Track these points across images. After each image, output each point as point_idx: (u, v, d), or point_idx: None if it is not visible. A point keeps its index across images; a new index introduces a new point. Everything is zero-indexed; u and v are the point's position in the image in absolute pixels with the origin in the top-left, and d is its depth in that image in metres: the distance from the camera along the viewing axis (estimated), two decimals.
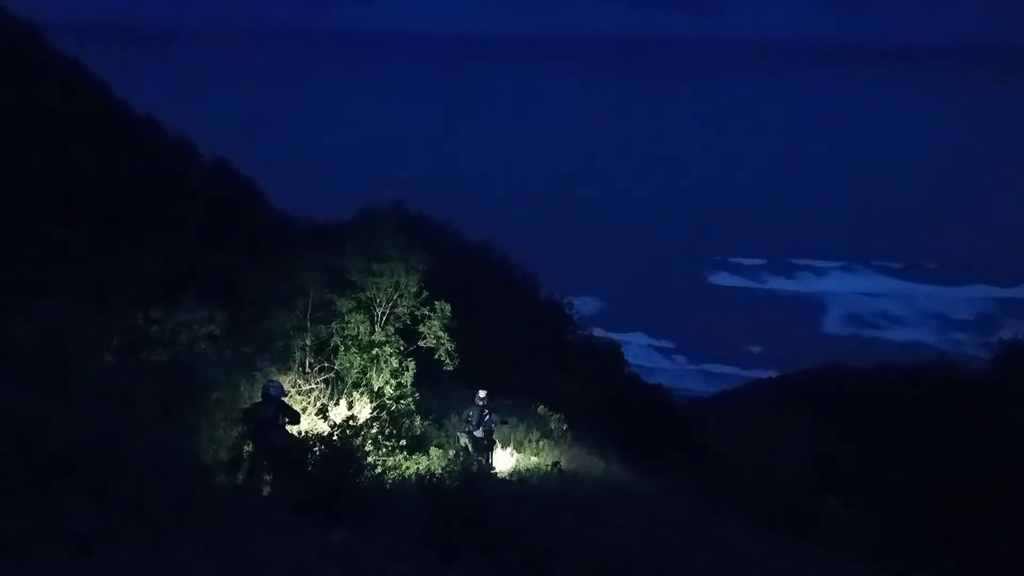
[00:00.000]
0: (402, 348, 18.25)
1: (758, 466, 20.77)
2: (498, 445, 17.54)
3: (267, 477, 10.75)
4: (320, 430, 12.20)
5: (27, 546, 6.20)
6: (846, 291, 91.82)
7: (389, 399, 17.53)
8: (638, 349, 65.83)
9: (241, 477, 10.71)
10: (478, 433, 16.45)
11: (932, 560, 13.63)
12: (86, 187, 20.49)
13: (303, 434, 11.72)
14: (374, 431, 15.10)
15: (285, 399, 11.92)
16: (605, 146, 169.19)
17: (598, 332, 45.78)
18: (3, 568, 5.85)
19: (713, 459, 23.23)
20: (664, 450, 23.95)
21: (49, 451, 7.51)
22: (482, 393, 16.79)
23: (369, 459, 12.36)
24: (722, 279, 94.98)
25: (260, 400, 11.35)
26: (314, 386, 16.67)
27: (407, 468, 15.37)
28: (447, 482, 10.87)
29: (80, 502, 7.03)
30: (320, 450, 10.76)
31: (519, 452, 19.14)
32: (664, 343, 74.89)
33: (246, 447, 11.42)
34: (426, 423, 18.17)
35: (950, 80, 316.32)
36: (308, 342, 17.14)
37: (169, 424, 10.26)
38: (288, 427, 11.29)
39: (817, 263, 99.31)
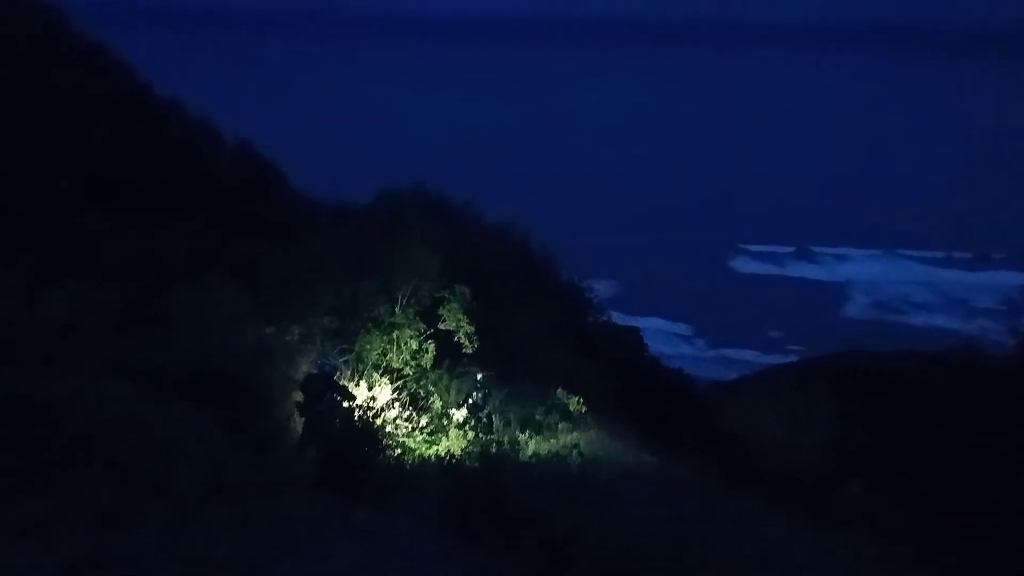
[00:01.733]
0: (422, 330, 18.31)
1: (779, 451, 20.68)
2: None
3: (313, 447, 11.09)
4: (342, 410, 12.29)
5: (53, 524, 6.27)
6: (869, 277, 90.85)
7: (409, 380, 17.62)
8: (657, 334, 65.47)
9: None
10: None
11: (955, 546, 13.51)
12: (109, 170, 20.61)
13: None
14: (394, 412, 15.19)
15: (336, 376, 12.66)
16: (624, 129, 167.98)
17: (616, 316, 45.60)
18: (30, 546, 5.91)
19: (733, 444, 23.14)
20: (684, 434, 23.87)
21: (74, 431, 7.58)
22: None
23: (389, 440, 12.44)
24: (742, 264, 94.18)
25: (315, 373, 12.08)
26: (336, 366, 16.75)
27: (427, 449, 15.45)
28: (467, 464, 10.90)
29: (105, 481, 7.10)
30: (341, 428, 10.83)
31: (538, 435, 19.15)
32: (683, 328, 74.51)
33: (296, 417, 11.92)
34: (446, 404, 18.24)
35: (974, 62, 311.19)
36: (329, 324, 17.21)
37: (192, 404, 10.32)
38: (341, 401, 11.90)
39: (839, 249, 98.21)
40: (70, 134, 20.95)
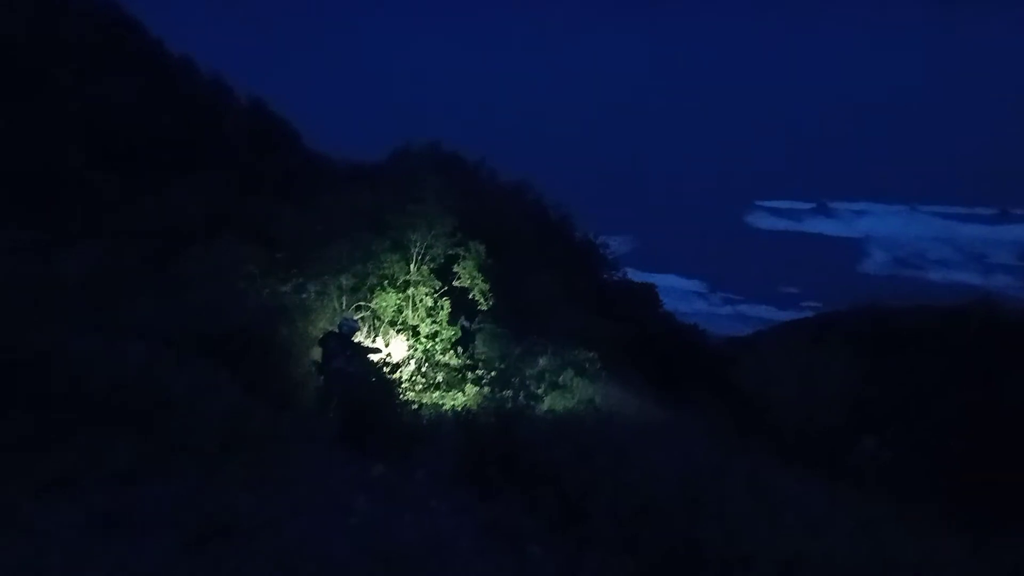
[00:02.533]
0: (437, 288, 18.35)
1: (794, 406, 20.72)
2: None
3: (331, 404, 11.26)
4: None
5: (74, 480, 6.39)
6: (887, 232, 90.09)
7: (425, 337, 17.71)
8: (672, 290, 65.39)
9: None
10: None
11: (971, 503, 13.55)
12: (122, 128, 20.59)
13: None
14: (411, 368, 15.28)
15: (356, 336, 12.92)
16: (638, 84, 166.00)
17: (631, 273, 45.51)
18: (53, 500, 6.04)
19: (749, 399, 23.19)
20: (699, 390, 23.94)
21: (94, 389, 7.68)
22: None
23: (406, 395, 12.55)
24: (759, 220, 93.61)
25: (333, 331, 12.36)
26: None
27: (443, 405, 15.57)
28: (483, 419, 10.99)
29: (125, 438, 7.21)
30: (359, 385, 10.93)
31: (554, 391, 19.25)
32: (699, 284, 74.37)
33: (315, 374, 12.13)
34: (462, 361, 18.33)
35: (998, 10, 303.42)
36: (345, 282, 17.26)
37: (210, 362, 10.42)
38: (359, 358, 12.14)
39: (857, 205, 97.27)
40: (81, 92, 20.90)
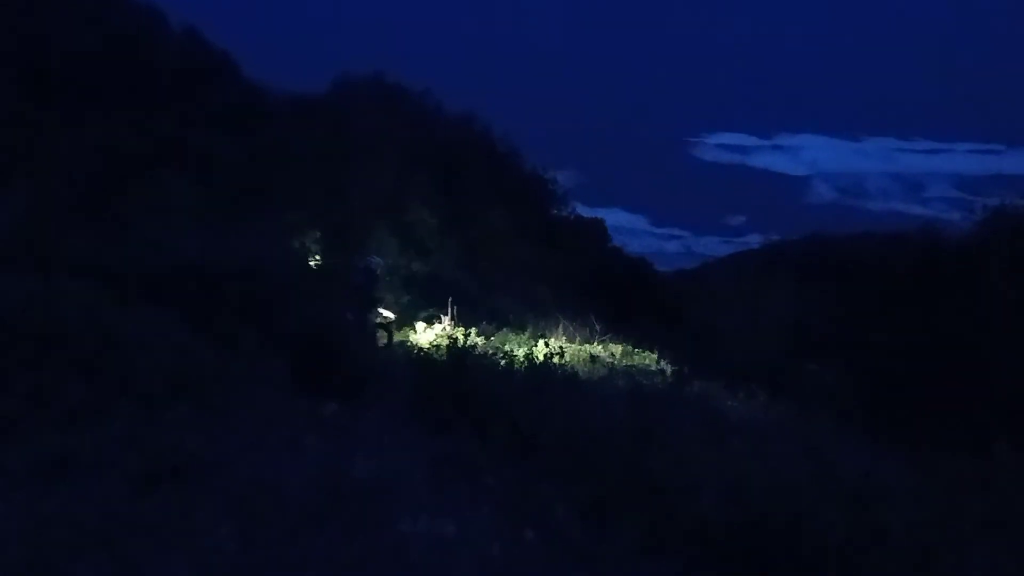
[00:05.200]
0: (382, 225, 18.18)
1: (740, 335, 21.16)
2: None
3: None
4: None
5: (18, 424, 6.25)
6: (829, 164, 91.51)
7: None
8: (619, 224, 65.68)
9: None
10: None
11: (909, 423, 14.09)
12: (52, 63, 19.68)
13: None
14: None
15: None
16: (582, 16, 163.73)
17: (578, 208, 45.60)
18: None
19: (696, 329, 23.60)
20: (648, 321, 24.28)
21: (35, 332, 7.47)
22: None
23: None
24: (704, 153, 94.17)
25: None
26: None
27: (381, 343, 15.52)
28: (434, 356, 10.98)
29: (68, 380, 7.05)
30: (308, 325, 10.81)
31: (505, 326, 19.35)
32: (645, 218, 74.88)
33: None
34: (413, 299, 18.28)
35: None
36: (291, 219, 16.98)
37: (154, 303, 10.19)
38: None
39: (800, 137, 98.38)
40: (11, 26, 19.89)
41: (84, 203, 13.92)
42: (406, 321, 17.50)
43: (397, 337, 16.06)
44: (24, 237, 11.36)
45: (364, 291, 14.77)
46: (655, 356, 19.37)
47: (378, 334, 14.98)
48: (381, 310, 15.58)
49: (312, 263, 15.27)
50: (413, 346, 14.42)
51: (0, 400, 6.50)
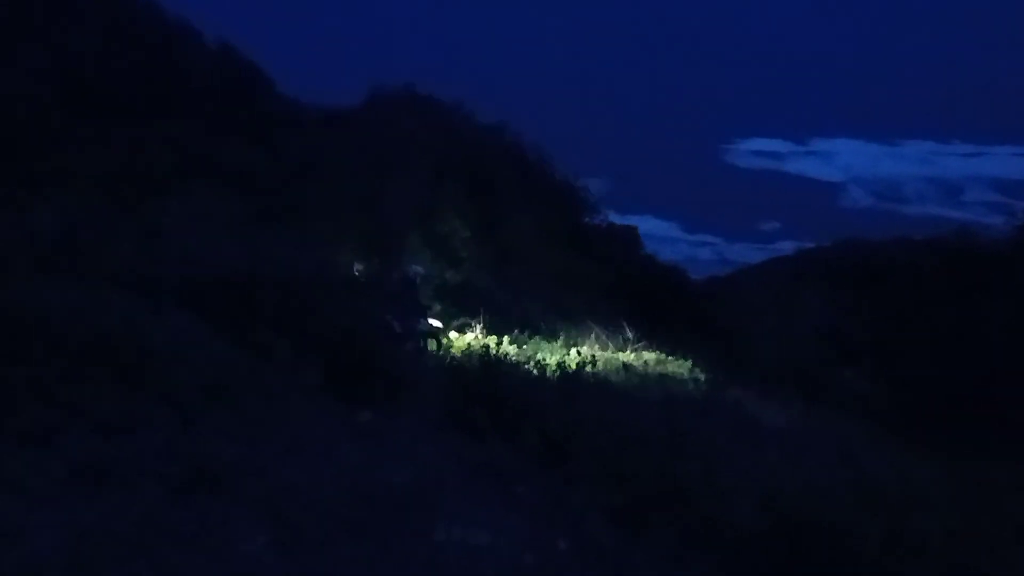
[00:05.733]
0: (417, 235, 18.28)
1: (775, 341, 20.95)
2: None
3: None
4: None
5: (57, 432, 6.36)
6: (865, 168, 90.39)
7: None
8: (651, 231, 65.45)
9: None
10: None
11: (946, 428, 13.84)
12: (89, 78, 20.07)
13: None
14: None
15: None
16: (614, 23, 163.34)
17: (612, 215, 45.43)
18: (36, 454, 6.01)
19: (730, 336, 23.40)
20: (681, 329, 24.10)
21: (74, 342, 7.60)
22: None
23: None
24: (737, 159, 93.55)
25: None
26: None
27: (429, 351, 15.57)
28: (468, 365, 11.02)
29: (107, 390, 7.17)
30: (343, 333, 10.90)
31: (537, 335, 19.33)
32: (678, 225, 74.51)
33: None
34: (445, 307, 18.34)
35: None
36: (325, 228, 17.13)
37: (190, 312, 10.33)
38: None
39: (835, 141, 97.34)
40: (45, 41, 20.33)
41: (121, 214, 14.17)
42: (441, 329, 17.56)
43: (432, 347, 16.14)
44: (64, 248, 11.58)
45: (410, 299, 15.06)
46: (688, 364, 19.22)
47: (429, 342, 15.10)
48: (430, 319, 15.78)
49: (347, 272, 15.40)
50: (448, 353, 14.45)
51: (41, 409, 6.62)
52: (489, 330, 18.41)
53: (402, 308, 14.96)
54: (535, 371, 12.24)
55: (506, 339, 17.39)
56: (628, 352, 19.90)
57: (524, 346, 17.79)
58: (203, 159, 17.93)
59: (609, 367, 17.07)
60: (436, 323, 16.05)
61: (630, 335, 20.96)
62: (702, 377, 17.23)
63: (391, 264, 17.19)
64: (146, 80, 21.15)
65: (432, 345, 15.10)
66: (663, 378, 16.94)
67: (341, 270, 13.33)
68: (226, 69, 27.30)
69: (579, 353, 17.35)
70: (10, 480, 5.57)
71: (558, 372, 12.37)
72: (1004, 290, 18.41)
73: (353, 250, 17.16)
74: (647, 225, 67.00)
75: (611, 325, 21.75)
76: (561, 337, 19.39)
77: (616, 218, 49.03)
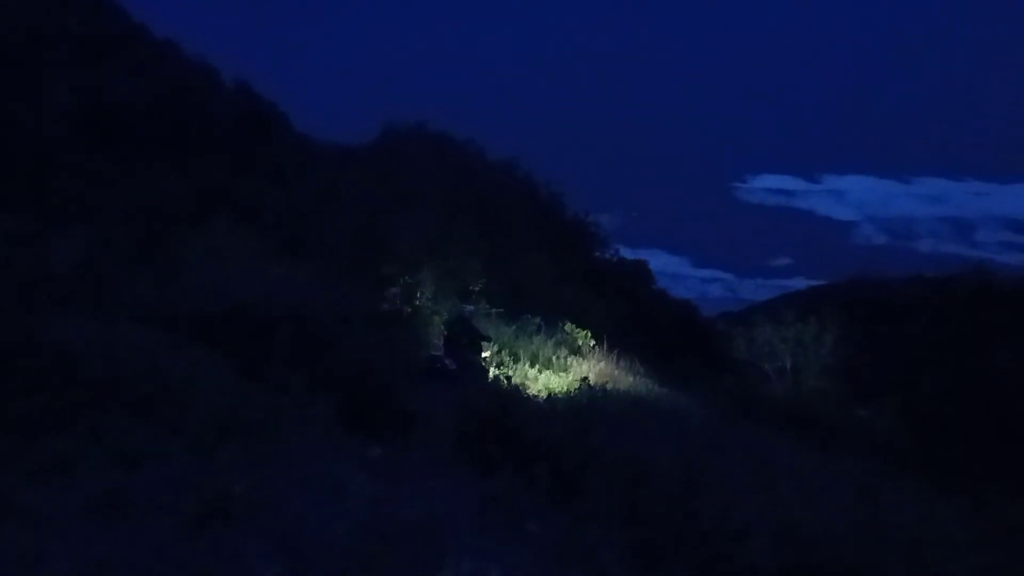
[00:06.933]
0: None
1: (788, 378, 20.84)
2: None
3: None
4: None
5: (73, 464, 6.40)
6: (877, 206, 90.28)
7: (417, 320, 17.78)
8: (663, 266, 65.44)
9: None
10: None
11: (963, 469, 13.68)
12: (109, 113, 20.44)
13: None
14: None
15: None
16: (628, 61, 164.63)
17: (622, 249, 45.65)
18: (52, 485, 6.05)
19: (742, 372, 23.29)
20: (693, 364, 24.04)
21: (91, 374, 7.67)
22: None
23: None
24: (749, 196, 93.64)
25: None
26: None
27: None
28: (480, 398, 11.00)
29: (123, 422, 7.22)
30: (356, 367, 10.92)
31: (547, 369, 19.31)
32: (689, 260, 74.47)
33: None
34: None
35: None
36: (339, 262, 17.26)
37: (205, 345, 10.41)
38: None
39: (847, 179, 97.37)
40: (67, 77, 20.73)
41: (140, 249, 14.34)
42: None
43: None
44: (83, 281, 11.71)
45: (469, 334, 16.35)
46: (700, 399, 19.14)
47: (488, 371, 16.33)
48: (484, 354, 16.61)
49: (364, 306, 15.57)
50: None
51: (58, 439, 6.67)
52: (501, 364, 18.42)
53: (455, 345, 16.27)
54: (547, 405, 12.18)
55: (517, 372, 17.39)
56: (640, 386, 19.85)
57: (536, 379, 17.78)
58: (221, 194, 18.15)
59: (621, 400, 17.01)
60: (488, 355, 16.99)
61: (642, 369, 20.91)
62: (715, 412, 17.14)
63: (408, 298, 17.45)
64: (166, 118, 21.51)
65: (490, 375, 15.84)
66: (675, 413, 16.85)
67: (357, 304, 13.38)
68: (244, 107, 27.76)
69: (591, 387, 17.30)
70: (26, 510, 5.61)
71: (570, 406, 12.32)
72: (1020, 327, 18.29)
73: (368, 284, 17.28)
74: (658, 260, 67.16)
75: (623, 359, 21.72)
76: (572, 370, 19.36)
77: (627, 252, 49.25)
